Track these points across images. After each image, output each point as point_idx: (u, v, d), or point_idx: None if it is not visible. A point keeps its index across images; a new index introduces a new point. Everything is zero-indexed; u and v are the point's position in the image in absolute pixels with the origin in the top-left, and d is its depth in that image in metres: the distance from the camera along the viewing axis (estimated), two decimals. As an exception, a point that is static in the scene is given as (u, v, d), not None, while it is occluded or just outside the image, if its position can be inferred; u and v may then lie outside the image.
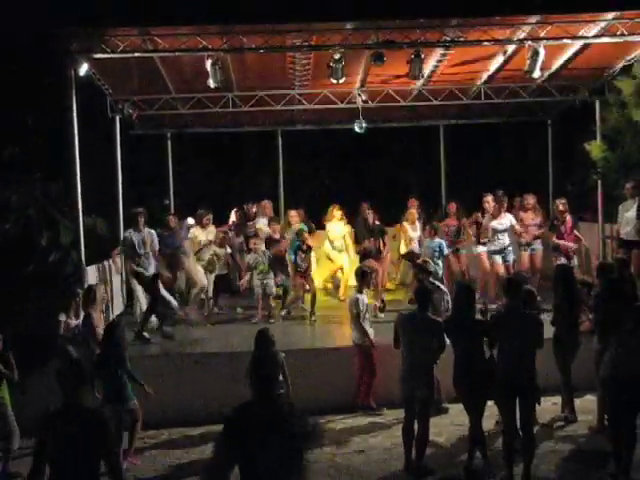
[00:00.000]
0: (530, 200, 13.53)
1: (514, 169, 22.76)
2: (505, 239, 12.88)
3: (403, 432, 7.79)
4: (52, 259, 12.85)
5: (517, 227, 13.01)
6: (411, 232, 14.05)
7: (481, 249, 13.12)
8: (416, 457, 7.67)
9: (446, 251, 12.76)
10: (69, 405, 5.01)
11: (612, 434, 7.39)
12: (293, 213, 14.62)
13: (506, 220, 12.94)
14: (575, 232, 13.09)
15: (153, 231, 12.32)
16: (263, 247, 12.85)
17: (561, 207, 12.94)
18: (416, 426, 7.69)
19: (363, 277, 9.96)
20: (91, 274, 11.97)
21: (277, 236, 13.36)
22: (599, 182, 14.34)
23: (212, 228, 13.52)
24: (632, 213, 11.90)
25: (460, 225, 13.94)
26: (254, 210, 14.62)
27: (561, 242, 12.79)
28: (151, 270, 11.97)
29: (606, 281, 8.22)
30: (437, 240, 12.70)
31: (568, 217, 12.95)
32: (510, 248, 12.95)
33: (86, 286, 10.12)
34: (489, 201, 13.20)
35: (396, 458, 8.01)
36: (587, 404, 9.04)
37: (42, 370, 9.80)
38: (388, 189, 21.86)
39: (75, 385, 5.07)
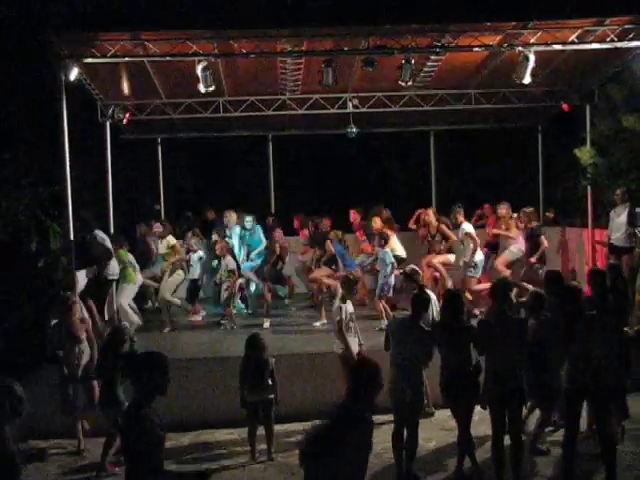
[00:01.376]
0: (502, 210, 13.43)
1: (504, 175, 22.86)
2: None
3: (393, 438, 7.77)
4: (42, 264, 12.81)
5: (472, 234, 12.84)
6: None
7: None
8: (406, 463, 7.66)
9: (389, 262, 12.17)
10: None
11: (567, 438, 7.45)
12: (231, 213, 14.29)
13: (459, 231, 12.97)
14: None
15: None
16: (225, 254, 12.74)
17: (504, 211, 13.24)
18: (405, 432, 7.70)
19: (347, 286, 9.69)
20: (81, 279, 11.92)
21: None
22: (589, 188, 14.37)
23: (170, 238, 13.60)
24: (622, 219, 11.94)
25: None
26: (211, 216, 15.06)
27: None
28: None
29: (558, 296, 8.04)
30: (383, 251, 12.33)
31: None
32: (475, 260, 12.75)
33: (61, 293, 10.03)
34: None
35: (387, 463, 8.00)
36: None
37: (33, 375, 9.79)
38: (378, 194, 21.90)
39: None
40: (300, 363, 10.09)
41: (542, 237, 12.81)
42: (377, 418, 9.15)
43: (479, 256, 12.78)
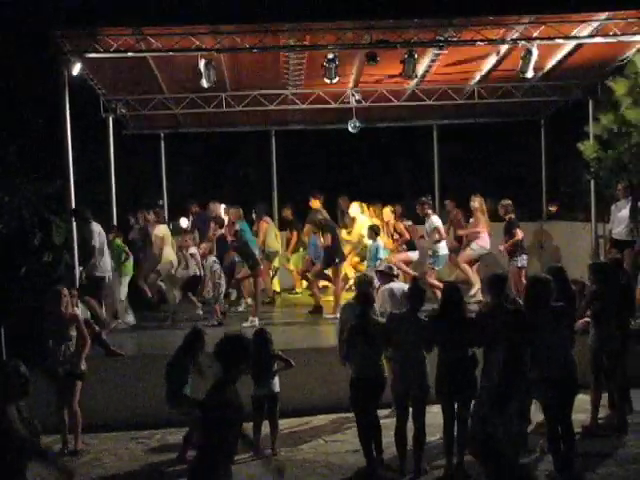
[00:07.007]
0: (475, 203, 13.39)
1: (507, 169, 22.85)
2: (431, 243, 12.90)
3: (396, 433, 7.72)
4: (45, 260, 12.82)
5: (440, 228, 12.87)
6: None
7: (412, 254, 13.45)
8: (415, 458, 7.61)
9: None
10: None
11: (550, 433, 7.54)
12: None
13: (427, 224, 12.92)
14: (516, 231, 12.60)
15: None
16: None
17: (476, 204, 13.22)
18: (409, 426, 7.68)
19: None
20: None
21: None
22: (592, 182, 14.35)
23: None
24: (625, 213, 11.93)
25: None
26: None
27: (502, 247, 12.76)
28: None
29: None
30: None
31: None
32: (438, 253, 12.79)
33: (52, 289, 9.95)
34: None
35: (391, 457, 8.00)
36: (580, 403, 9.00)
37: (36, 371, 9.78)
38: (381, 188, 21.90)
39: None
40: (304, 358, 10.08)
41: (518, 230, 12.55)
42: (380, 412, 9.29)
43: (443, 250, 12.84)
